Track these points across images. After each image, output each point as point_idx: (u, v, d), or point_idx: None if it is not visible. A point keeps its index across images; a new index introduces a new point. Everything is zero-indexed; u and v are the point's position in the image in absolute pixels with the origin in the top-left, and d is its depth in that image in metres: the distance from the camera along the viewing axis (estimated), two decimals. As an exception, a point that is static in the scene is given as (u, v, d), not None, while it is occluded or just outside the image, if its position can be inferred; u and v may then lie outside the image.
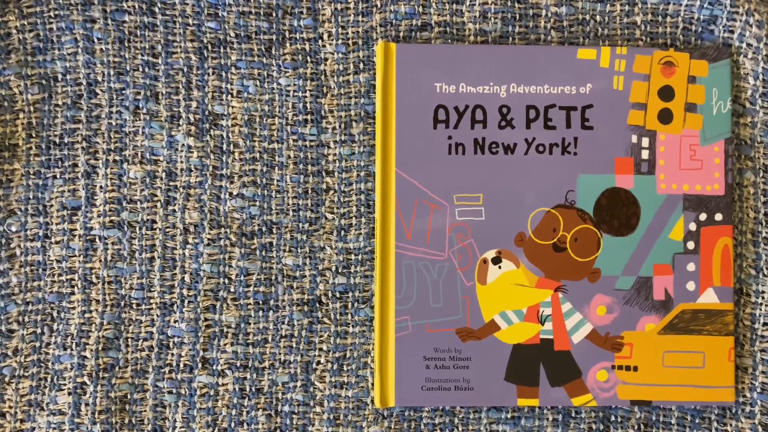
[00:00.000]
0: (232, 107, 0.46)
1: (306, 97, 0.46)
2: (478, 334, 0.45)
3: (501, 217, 0.45)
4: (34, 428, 0.45)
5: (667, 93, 0.46)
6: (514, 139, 0.46)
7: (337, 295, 0.46)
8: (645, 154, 0.46)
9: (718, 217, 0.45)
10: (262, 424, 0.45)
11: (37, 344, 0.45)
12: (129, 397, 0.45)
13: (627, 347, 0.45)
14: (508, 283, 0.45)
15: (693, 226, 0.45)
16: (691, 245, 0.45)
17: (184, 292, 0.46)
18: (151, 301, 0.46)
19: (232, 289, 0.46)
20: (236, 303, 0.46)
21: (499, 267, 0.45)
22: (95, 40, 0.46)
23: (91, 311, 0.45)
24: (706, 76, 0.46)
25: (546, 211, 0.45)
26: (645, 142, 0.46)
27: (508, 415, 0.45)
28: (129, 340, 0.45)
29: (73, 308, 0.45)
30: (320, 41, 0.46)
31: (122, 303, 0.46)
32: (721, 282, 0.45)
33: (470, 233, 0.45)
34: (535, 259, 0.45)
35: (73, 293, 0.45)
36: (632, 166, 0.46)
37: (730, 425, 0.45)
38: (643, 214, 0.46)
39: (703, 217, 0.46)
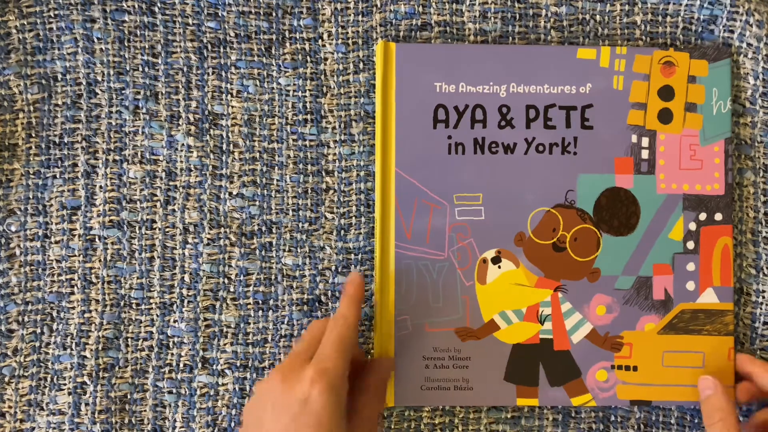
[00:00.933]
0: (232, 107, 0.46)
1: (306, 96, 0.46)
2: (478, 333, 0.45)
3: (501, 217, 0.45)
4: (34, 428, 0.45)
5: (667, 93, 0.46)
6: (513, 138, 0.46)
7: (337, 294, 0.46)
8: (645, 154, 0.46)
9: (718, 216, 0.45)
10: (262, 423, 0.46)
11: (37, 344, 0.45)
12: (129, 396, 0.45)
13: (627, 347, 0.45)
14: (508, 282, 0.45)
15: (693, 226, 0.45)
16: (690, 245, 0.45)
17: (184, 291, 0.46)
18: (151, 300, 0.46)
19: (231, 289, 0.46)
20: (236, 303, 0.46)
21: (499, 267, 0.45)
22: (95, 40, 0.46)
23: (90, 311, 0.45)
24: (706, 76, 0.46)
25: (546, 210, 0.45)
26: (645, 141, 0.46)
27: (508, 415, 0.45)
28: (129, 339, 0.45)
29: (73, 308, 0.45)
30: (320, 41, 0.46)
31: (122, 303, 0.46)
32: (721, 282, 0.45)
33: (470, 233, 0.45)
34: (535, 258, 0.45)
35: (72, 293, 0.46)
36: (632, 166, 0.46)
37: (730, 425, 0.46)
38: (642, 213, 0.45)
39: (702, 216, 0.45)
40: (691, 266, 0.45)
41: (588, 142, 0.46)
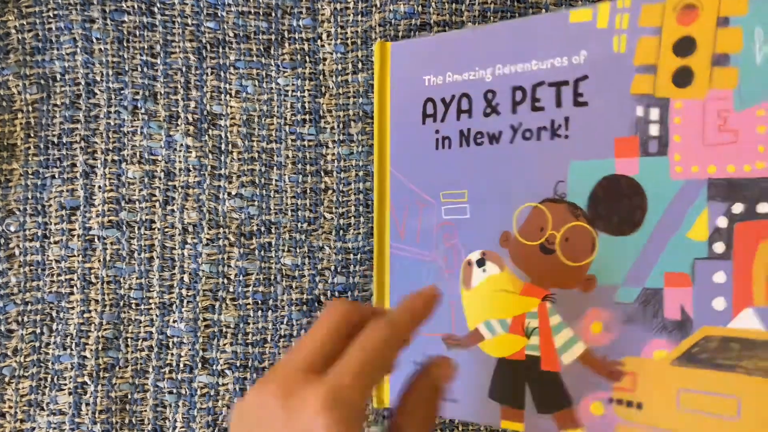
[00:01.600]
0: (231, 107, 0.45)
1: (304, 96, 0.45)
2: (462, 342, 0.40)
3: (486, 215, 0.39)
4: (34, 428, 0.44)
5: (685, 46, 0.34)
6: (499, 126, 0.39)
7: (336, 294, 0.45)
8: (654, 130, 0.35)
9: (763, 208, 0.32)
10: (262, 423, 0.46)
11: (37, 344, 0.44)
12: (129, 396, 0.44)
13: (629, 377, 0.35)
14: (493, 288, 0.39)
15: (723, 222, 0.33)
16: (719, 248, 0.33)
17: (183, 292, 0.45)
18: (150, 301, 0.45)
19: (231, 289, 0.45)
20: (235, 303, 0.45)
21: (484, 270, 0.39)
22: (94, 40, 0.45)
23: (90, 311, 0.45)
24: (746, 15, 0.33)
25: (533, 206, 0.38)
26: (654, 114, 0.35)
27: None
28: (128, 340, 0.44)
29: (73, 308, 0.44)
30: (319, 41, 0.45)
31: (121, 303, 0.45)
32: (766, 300, 0.32)
33: (456, 233, 0.40)
34: (521, 261, 0.38)
35: (72, 293, 0.45)
36: (637, 147, 0.35)
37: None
38: (650, 207, 0.35)
39: (738, 208, 0.32)
40: (719, 277, 0.33)
41: (582, 122, 0.36)
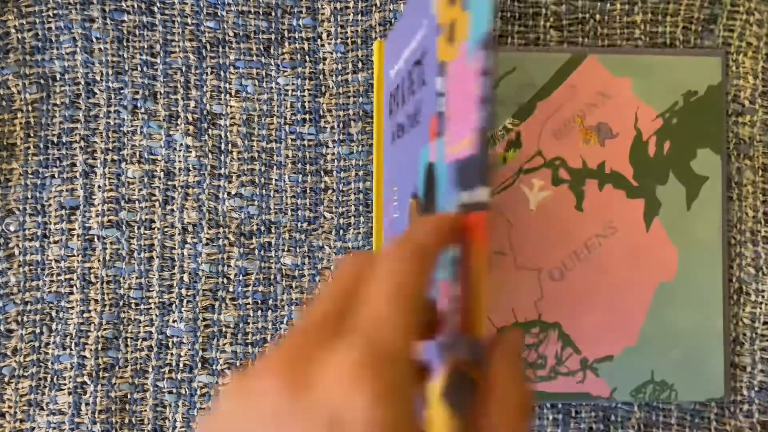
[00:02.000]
0: (231, 107, 0.45)
1: (304, 96, 0.45)
2: None
3: (403, 213, 0.35)
4: (34, 428, 0.43)
5: None
6: (402, 117, 0.36)
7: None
8: (441, 104, 0.28)
9: (467, 197, 0.24)
10: (262, 423, 0.46)
11: (37, 344, 0.44)
12: (129, 396, 0.44)
13: (426, 413, 0.25)
14: None
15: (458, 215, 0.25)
16: (455, 251, 0.25)
17: (183, 291, 0.45)
18: (150, 300, 0.44)
19: (230, 289, 0.45)
20: (235, 303, 0.45)
21: None
22: (94, 40, 0.45)
23: (90, 311, 0.44)
24: None
25: (410, 203, 0.33)
26: (441, 84, 0.28)
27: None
28: (128, 339, 0.44)
29: (72, 308, 0.44)
30: (319, 40, 0.45)
31: (121, 303, 0.44)
32: (472, 326, 0.22)
33: (395, 232, 0.37)
34: None
35: (71, 293, 0.44)
36: (435, 127, 0.28)
37: (729, 424, 0.43)
38: (439, 197, 0.28)
39: (464, 197, 0.24)
40: (454, 290, 0.25)
41: (425, 103, 0.30)
